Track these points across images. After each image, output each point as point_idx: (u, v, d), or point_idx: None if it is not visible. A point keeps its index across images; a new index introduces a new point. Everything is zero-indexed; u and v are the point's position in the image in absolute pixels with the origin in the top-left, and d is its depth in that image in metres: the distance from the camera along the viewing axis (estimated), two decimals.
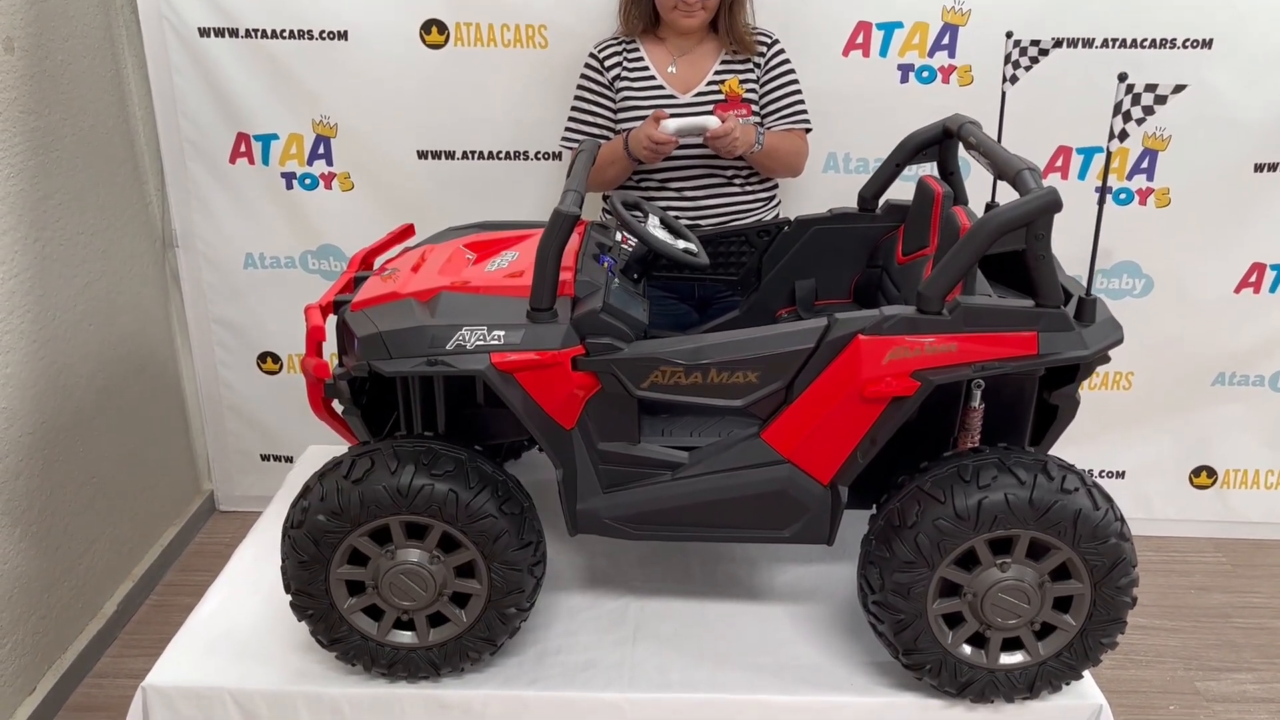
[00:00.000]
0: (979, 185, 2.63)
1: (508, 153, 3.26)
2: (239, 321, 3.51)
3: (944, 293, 1.91)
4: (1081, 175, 3.23)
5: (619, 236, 2.44)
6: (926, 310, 1.92)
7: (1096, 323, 1.96)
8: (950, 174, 2.52)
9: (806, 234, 2.62)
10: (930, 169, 2.53)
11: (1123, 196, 3.26)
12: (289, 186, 3.31)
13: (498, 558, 2.00)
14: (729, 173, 2.83)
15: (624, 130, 2.80)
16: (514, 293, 2.09)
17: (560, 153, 3.23)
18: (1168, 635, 3.16)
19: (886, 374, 1.93)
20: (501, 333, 2.00)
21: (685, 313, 2.82)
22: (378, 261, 2.54)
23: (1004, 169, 1.99)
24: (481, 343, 1.99)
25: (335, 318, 2.24)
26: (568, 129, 2.90)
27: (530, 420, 2.02)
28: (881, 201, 2.63)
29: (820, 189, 3.21)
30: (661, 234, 2.28)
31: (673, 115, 2.66)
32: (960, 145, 2.37)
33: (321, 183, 3.31)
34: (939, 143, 2.51)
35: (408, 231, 2.66)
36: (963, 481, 1.93)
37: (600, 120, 2.85)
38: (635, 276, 2.32)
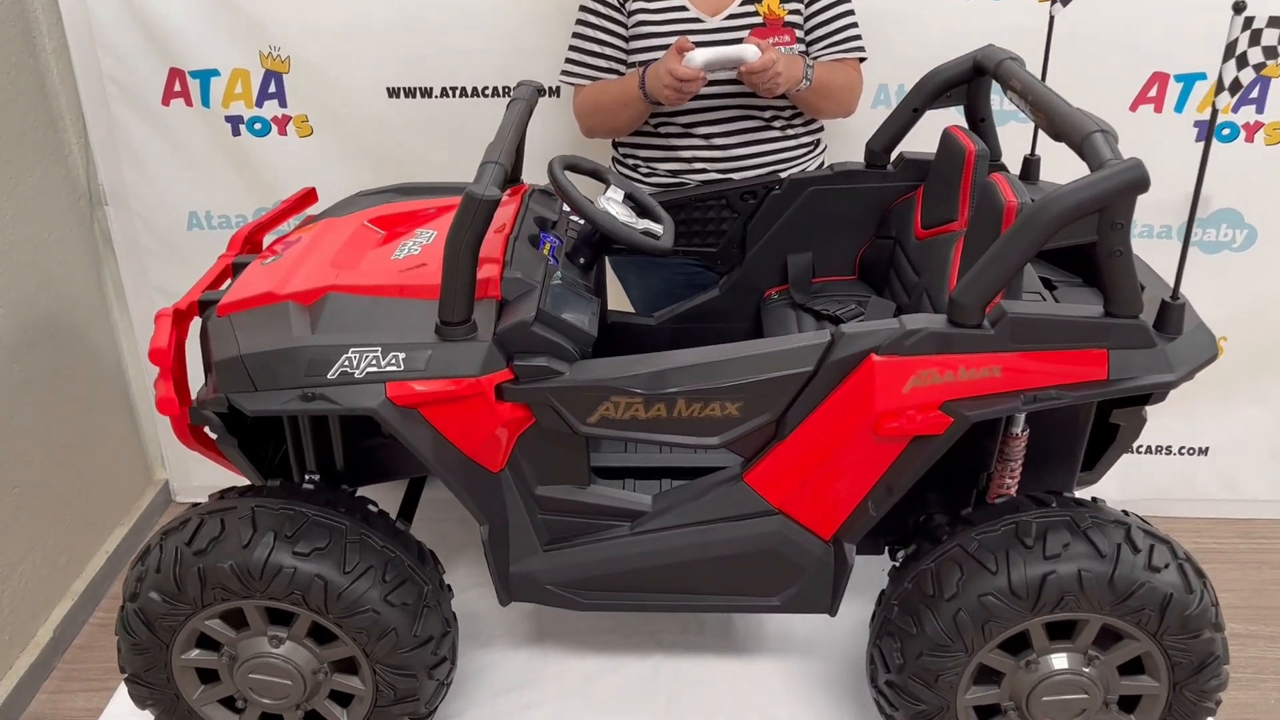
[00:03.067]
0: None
1: (496, 89, 2.72)
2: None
3: (985, 300, 1.45)
4: (1179, 107, 2.72)
5: (567, 207, 1.95)
6: (961, 322, 1.47)
7: (1184, 335, 1.52)
8: (981, 121, 2.06)
9: (801, 196, 2.16)
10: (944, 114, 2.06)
11: (1225, 132, 2.74)
12: (236, 132, 2.77)
13: (383, 659, 1.57)
14: (767, 114, 2.31)
15: (638, 63, 2.27)
16: (422, 293, 1.62)
17: (560, 89, 2.70)
18: (1267, 645, 2.75)
19: (908, 406, 1.49)
20: (401, 355, 1.53)
21: (705, 276, 2.36)
22: (268, 239, 2.07)
23: (1065, 128, 1.50)
24: (375, 369, 1.53)
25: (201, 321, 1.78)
26: (569, 60, 2.37)
27: (443, 466, 1.57)
28: (895, 155, 2.15)
29: (869, 129, 2.68)
30: (616, 210, 1.79)
31: (699, 45, 2.14)
32: (995, 86, 1.90)
33: (274, 127, 2.77)
34: (968, 82, 2.03)
35: (309, 198, 2.20)
36: (1022, 546, 1.50)
37: (608, 51, 2.32)
38: (584, 262, 1.83)
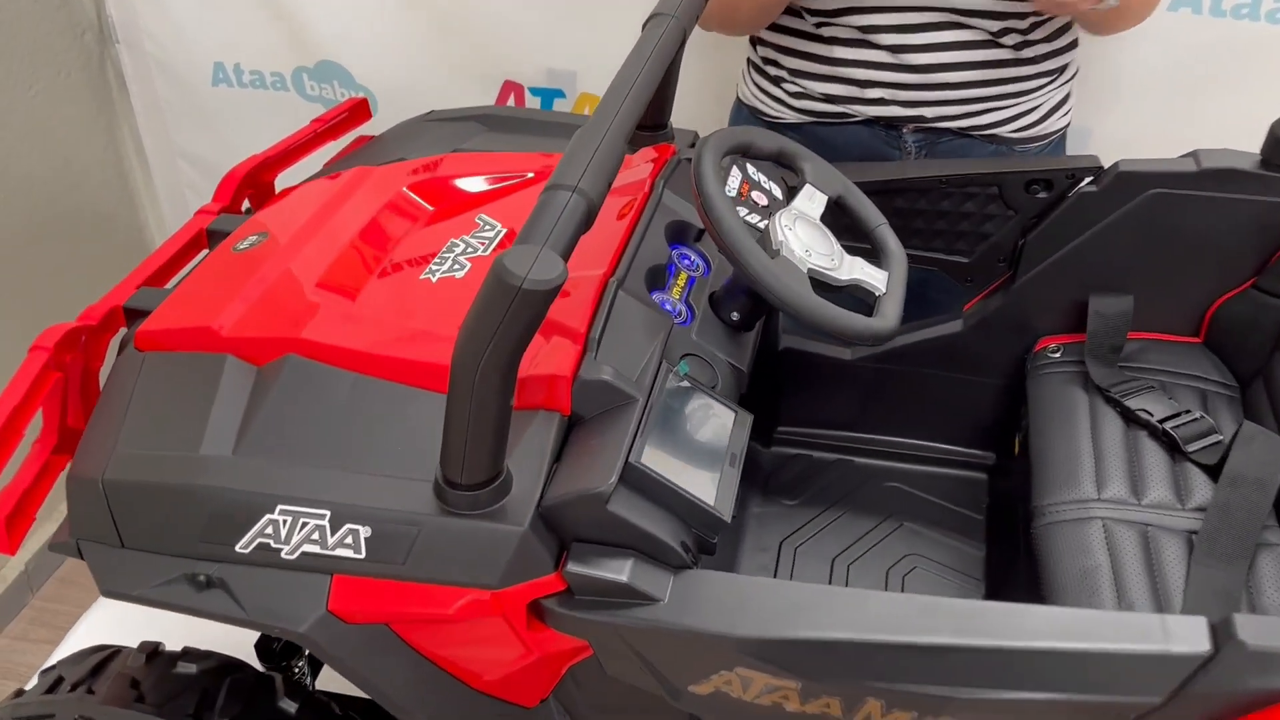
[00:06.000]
0: None
1: None
2: (212, 159, 2.41)
3: None
4: None
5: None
6: None
7: None
8: None
9: (1133, 201, 1.31)
10: None
11: None
12: None
13: None
14: (996, 25, 1.45)
15: None
16: (440, 379, 0.91)
17: None
18: None
19: None
20: (364, 531, 0.85)
21: (944, 288, 1.58)
22: (282, 180, 1.44)
23: None
24: (315, 549, 0.86)
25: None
26: None
27: (430, 712, 0.90)
28: None
29: (1152, 50, 1.76)
30: (803, 244, 1.03)
31: None
32: None
33: None
34: None
35: (358, 114, 1.53)
36: None
37: None
38: (737, 319, 1.09)
